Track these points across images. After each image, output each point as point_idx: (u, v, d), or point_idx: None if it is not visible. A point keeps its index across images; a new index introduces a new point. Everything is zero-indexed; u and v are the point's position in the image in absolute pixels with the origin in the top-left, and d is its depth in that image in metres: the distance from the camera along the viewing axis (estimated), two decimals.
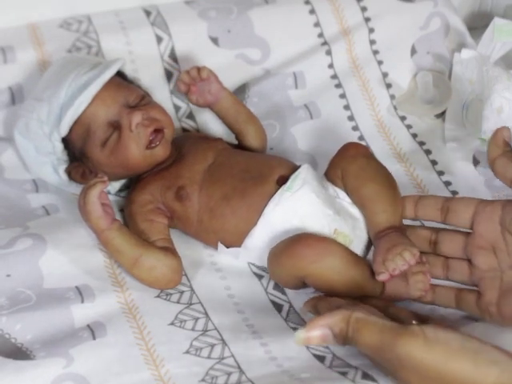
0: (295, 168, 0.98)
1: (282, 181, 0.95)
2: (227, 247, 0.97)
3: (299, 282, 0.91)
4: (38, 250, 0.94)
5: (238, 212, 0.95)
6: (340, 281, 0.89)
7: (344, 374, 0.82)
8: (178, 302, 0.92)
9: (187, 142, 1.04)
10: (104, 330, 0.87)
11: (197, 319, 0.90)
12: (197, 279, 0.96)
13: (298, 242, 0.89)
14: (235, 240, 0.96)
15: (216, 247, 0.98)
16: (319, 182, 0.96)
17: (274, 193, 0.95)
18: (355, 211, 0.95)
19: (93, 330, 0.87)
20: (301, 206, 0.94)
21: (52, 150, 1.01)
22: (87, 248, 0.95)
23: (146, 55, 1.16)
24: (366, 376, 0.81)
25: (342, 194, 0.96)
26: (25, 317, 0.87)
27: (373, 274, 0.89)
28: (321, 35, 1.21)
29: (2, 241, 0.95)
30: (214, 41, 1.19)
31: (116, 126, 0.98)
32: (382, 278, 0.87)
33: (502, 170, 0.88)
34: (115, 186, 1.04)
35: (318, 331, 0.78)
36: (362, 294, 0.90)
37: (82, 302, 0.90)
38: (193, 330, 0.89)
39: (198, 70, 1.04)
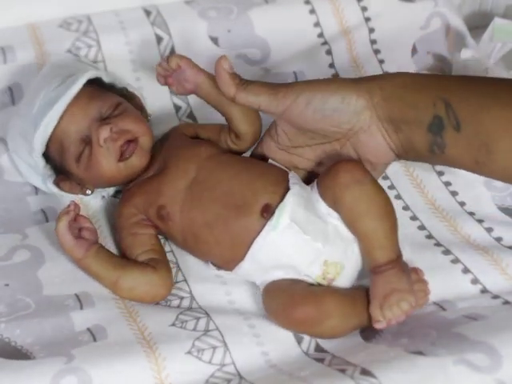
0: (281, 188, 0.92)
1: (267, 211, 0.90)
2: (217, 268, 0.95)
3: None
4: (35, 263, 0.95)
5: (223, 243, 0.92)
6: (343, 332, 0.89)
7: (343, 371, 0.82)
8: (178, 307, 0.92)
9: (174, 147, 0.99)
10: (105, 333, 0.88)
11: (198, 318, 0.90)
12: (196, 285, 0.95)
13: (294, 308, 0.88)
14: (223, 264, 0.94)
15: (205, 261, 0.96)
16: (307, 206, 0.91)
17: (258, 227, 0.90)
18: (349, 233, 0.91)
19: (93, 334, 0.87)
20: (288, 246, 0.90)
21: (35, 165, 1.01)
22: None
23: (146, 55, 1.16)
24: (365, 372, 0.81)
25: (335, 215, 0.91)
26: (24, 323, 0.87)
27: (368, 302, 0.89)
28: (321, 35, 1.21)
29: (0, 251, 0.95)
30: (214, 41, 1.19)
31: (87, 142, 0.97)
32: (379, 326, 0.88)
33: (244, 101, 0.91)
34: (109, 190, 1.03)
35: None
36: (365, 325, 0.90)
37: (82, 308, 0.90)
38: (194, 329, 0.89)
39: (167, 60, 0.97)
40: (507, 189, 1.07)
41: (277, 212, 0.90)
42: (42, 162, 1.00)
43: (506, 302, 0.92)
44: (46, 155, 1.00)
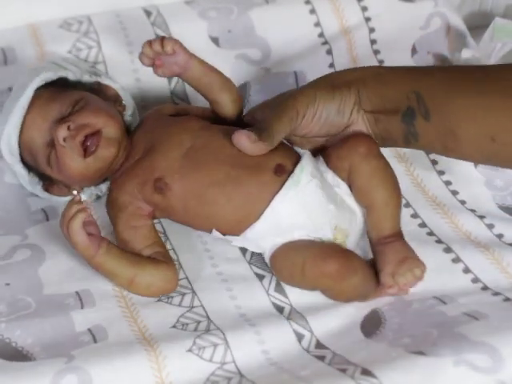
0: (291, 154, 0.94)
1: (281, 171, 0.92)
2: (223, 234, 0.94)
3: (308, 290, 0.92)
4: (36, 261, 0.94)
5: (235, 200, 0.91)
6: (356, 295, 0.91)
7: (343, 370, 0.82)
8: (179, 305, 0.92)
9: (157, 126, 0.98)
10: (105, 333, 0.87)
11: (199, 322, 0.90)
12: (198, 282, 0.95)
13: (328, 258, 0.88)
14: (231, 227, 0.93)
15: (208, 231, 0.94)
16: (319, 171, 0.94)
17: (274, 184, 0.91)
18: (353, 205, 0.94)
19: (94, 334, 0.87)
20: (309, 202, 0.92)
21: (20, 175, 1.01)
22: None
23: None
24: (365, 372, 0.81)
25: (343, 186, 0.94)
26: (24, 323, 0.87)
27: (375, 274, 0.91)
28: (321, 35, 1.21)
29: (1, 251, 0.95)
30: (215, 41, 1.19)
31: (52, 144, 0.96)
32: (391, 292, 0.91)
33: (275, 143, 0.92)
34: (102, 188, 1.02)
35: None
36: (365, 299, 0.92)
37: (82, 307, 0.90)
38: (195, 330, 0.89)
39: (162, 42, 0.94)
40: (507, 188, 1.07)
41: (297, 169, 0.92)
42: (23, 171, 1.00)
43: (507, 299, 0.91)
44: (27, 163, 1.00)
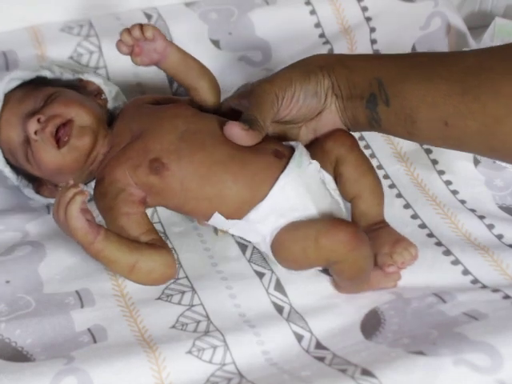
0: (283, 145, 0.95)
1: (279, 155, 0.92)
2: (226, 217, 0.92)
3: (320, 266, 0.92)
4: (36, 256, 0.94)
5: (242, 179, 0.90)
6: (365, 269, 0.91)
7: (343, 371, 0.82)
8: (179, 304, 0.92)
9: (143, 113, 0.96)
10: (105, 334, 0.88)
11: (198, 322, 0.90)
12: (197, 280, 0.95)
13: (340, 228, 0.88)
14: (234, 210, 0.91)
15: (206, 217, 0.92)
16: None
17: (279, 165, 0.91)
18: (338, 198, 0.95)
19: (93, 334, 0.87)
20: (310, 183, 0.92)
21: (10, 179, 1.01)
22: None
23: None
24: (365, 372, 0.81)
25: (328, 179, 0.95)
26: (24, 323, 0.87)
27: None
28: (322, 35, 1.21)
29: (1, 248, 0.95)
30: (216, 43, 1.19)
31: (28, 141, 0.95)
32: (391, 270, 0.93)
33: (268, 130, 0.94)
34: (92, 185, 0.99)
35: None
36: (362, 283, 0.93)
37: (82, 307, 0.90)
38: (194, 331, 0.89)
39: (141, 28, 0.93)
40: (507, 188, 1.08)
41: (297, 153, 0.93)
42: (11, 174, 1.00)
43: (507, 297, 0.92)
44: (14, 167, 1.00)
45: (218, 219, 0.91)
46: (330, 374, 0.83)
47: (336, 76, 0.94)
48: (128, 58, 1.14)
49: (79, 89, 1.01)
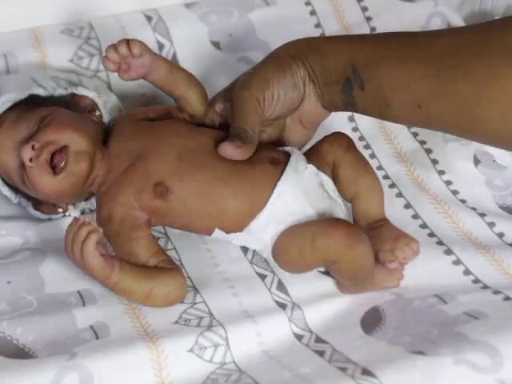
0: (278, 151, 0.95)
1: (275, 162, 0.93)
2: (226, 232, 0.93)
3: (318, 267, 0.93)
4: (38, 258, 0.95)
5: (241, 192, 0.91)
6: (364, 267, 0.90)
7: (343, 369, 0.83)
8: (181, 302, 0.92)
9: (139, 132, 0.96)
10: (107, 330, 0.88)
11: (201, 318, 0.90)
12: (200, 280, 0.95)
13: (338, 225, 0.89)
14: (235, 223, 0.92)
15: (209, 232, 0.93)
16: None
17: (276, 172, 0.92)
18: (339, 200, 0.96)
19: (96, 331, 0.87)
20: (308, 188, 0.93)
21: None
22: None
23: None
24: (365, 372, 0.81)
25: (327, 180, 0.96)
26: (26, 321, 0.87)
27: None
28: (322, 36, 1.21)
29: (2, 253, 0.96)
30: (216, 45, 1.19)
31: (23, 165, 0.93)
32: (393, 266, 0.93)
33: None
34: (93, 201, 1.00)
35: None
36: (364, 282, 0.93)
37: (84, 305, 0.90)
38: (198, 326, 0.89)
39: (128, 44, 0.92)
40: (508, 188, 1.08)
41: (293, 157, 0.94)
42: (10, 193, 1.00)
43: (507, 298, 0.92)
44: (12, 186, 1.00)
45: (219, 234, 0.93)
46: (330, 373, 0.83)
47: (310, 63, 0.95)
48: None
49: (72, 105, 1.00)
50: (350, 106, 0.94)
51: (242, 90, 0.94)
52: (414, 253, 0.93)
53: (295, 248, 0.90)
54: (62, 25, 1.16)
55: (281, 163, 0.93)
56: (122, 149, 0.95)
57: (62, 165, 0.93)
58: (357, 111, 0.96)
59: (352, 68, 0.92)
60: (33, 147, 0.92)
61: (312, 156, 0.97)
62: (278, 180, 0.91)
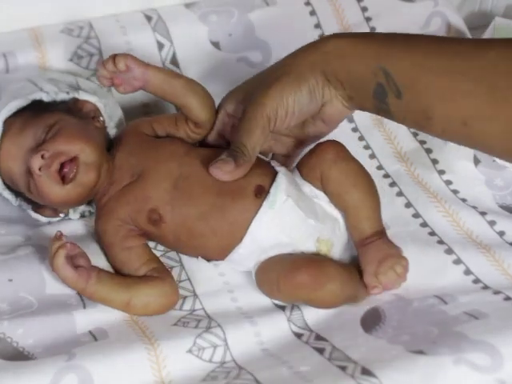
0: (268, 171, 0.95)
1: (260, 192, 0.93)
2: (208, 260, 0.96)
3: (294, 302, 0.93)
4: (39, 255, 0.94)
5: (219, 231, 0.92)
6: (338, 301, 0.91)
7: (343, 368, 0.82)
8: (180, 309, 0.92)
9: (141, 149, 0.97)
10: (106, 335, 0.88)
11: (199, 320, 0.90)
12: (200, 285, 0.95)
13: (298, 271, 0.89)
14: (217, 254, 0.95)
15: (195, 257, 0.97)
16: (296, 186, 0.94)
17: (255, 207, 0.92)
18: (334, 211, 0.95)
19: (94, 336, 0.87)
20: (286, 222, 0.92)
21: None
22: (88, 252, 0.93)
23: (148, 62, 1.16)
24: (365, 372, 0.81)
25: (321, 195, 0.95)
26: (27, 322, 0.87)
27: (360, 276, 0.92)
28: (322, 36, 1.21)
29: (4, 248, 0.96)
30: (216, 45, 1.19)
31: (30, 172, 0.93)
32: (375, 292, 0.91)
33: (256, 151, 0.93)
34: (93, 205, 1.01)
35: None
36: (355, 301, 0.92)
37: (84, 307, 0.90)
38: (196, 327, 0.89)
39: (114, 60, 0.93)
40: (508, 187, 1.08)
41: (272, 190, 0.93)
42: (10, 197, 1.00)
43: (508, 298, 0.91)
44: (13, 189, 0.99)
45: (202, 261, 0.96)
46: (330, 372, 0.83)
47: (333, 69, 0.90)
48: None
49: (75, 111, 1.00)
50: (384, 112, 0.89)
51: (255, 106, 0.92)
52: (398, 277, 0.91)
53: (266, 286, 0.93)
54: (62, 24, 1.16)
55: (265, 192, 0.93)
56: (125, 162, 0.97)
57: (71, 175, 0.93)
58: (391, 119, 0.90)
59: (384, 73, 0.86)
60: (42, 156, 0.93)
61: (303, 169, 0.97)
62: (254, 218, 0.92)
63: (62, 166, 0.93)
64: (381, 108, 0.89)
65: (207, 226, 0.92)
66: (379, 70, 0.86)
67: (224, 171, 0.91)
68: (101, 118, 1.02)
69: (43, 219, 1.01)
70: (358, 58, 0.89)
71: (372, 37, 0.95)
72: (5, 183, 0.99)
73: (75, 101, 1.01)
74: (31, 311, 0.89)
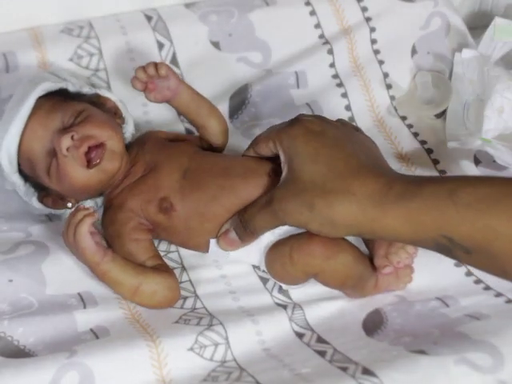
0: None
1: (275, 173, 0.93)
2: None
3: (305, 279, 0.93)
4: (40, 255, 0.94)
5: (234, 208, 0.93)
6: (350, 275, 0.91)
7: (344, 369, 0.83)
8: (181, 308, 0.93)
9: (157, 148, 1.00)
10: (107, 333, 0.88)
11: (201, 318, 0.90)
12: (200, 284, 0.96)
13: (311, 240, 0.89)
14: None
15: (206, 248, 0.96)
16: None
17: (269, 183, 0.93)
18: None
19: (96, 333, 0.87)
20: None
21: (16, 185, 1.01)
22: None
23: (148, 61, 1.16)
24: (366, 372, 0.81)
25: None
26: (27, 321, 0.87)
27: (371, 266, 0.93)
28: (322, 36, 1.21)
29: (4, 247, 0.95)
30: (215, 45, 1.19)
31: (54, 154, 0.95)
32: (387, 271, 0.92)
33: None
34: (98, 201, 1.02)
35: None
36: (363, 288, 0.92)
37: (85, 307, 0.90)
38: (198, 325, 0.89)
39: (156, 66, 0.98)
40: None
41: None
42: (19, 181, 1.00)
43: (509, 301, 0.92)
44: (24, 174, 1.00)
45: (215, 248, 0.95)
46: (331, 373, 0.83)
47: (376, 241, 0.92)
48: (127, 61, 1.15)
49: (98, 105, 1.02)
50: (451, 258, 0.83)
51: (278, 205, 0.88)
52: (408, 255, 0.92)
53: (278, 262, 0.92)
54: (62, 24, 1.16)
55: (278, 172, 0.93)
56: (140, 159, 0.99)
57: (97, 161, 0.95)
58: (460, 262, 0.89)
59: (447, 240, 0.79)
60: (72, 137, 0.94)
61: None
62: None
63: (89, 150, 0.94)
64: (447, 256, 0.83)
65: (220, 205, 0.94)
66: (441, 237, 0.80)
67: (230, 243, 0.94)
68: (123, 115, 1.04)
69: (45, 210, 1.01)
70: (415, 227, 0.81)
71: (431, 200, 0.81)
72: (18, 166, 0.99)
73: (98, 96, 1.03)
74: (31, 311, 0.89)
